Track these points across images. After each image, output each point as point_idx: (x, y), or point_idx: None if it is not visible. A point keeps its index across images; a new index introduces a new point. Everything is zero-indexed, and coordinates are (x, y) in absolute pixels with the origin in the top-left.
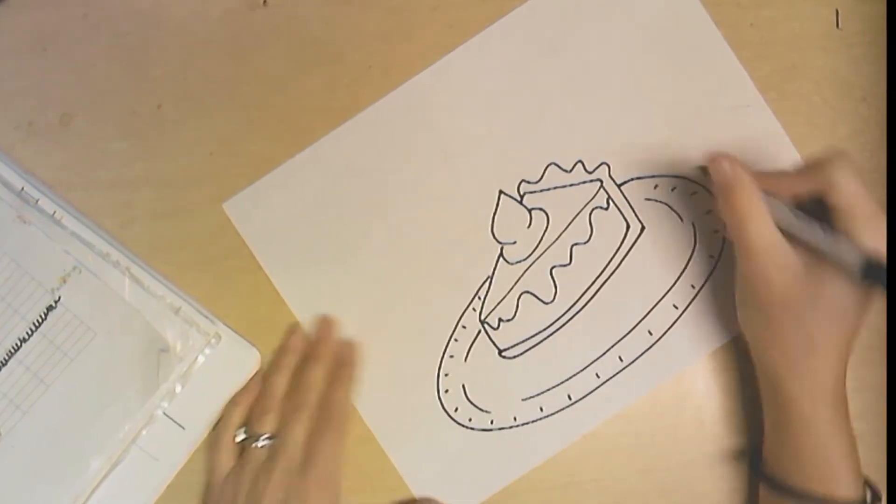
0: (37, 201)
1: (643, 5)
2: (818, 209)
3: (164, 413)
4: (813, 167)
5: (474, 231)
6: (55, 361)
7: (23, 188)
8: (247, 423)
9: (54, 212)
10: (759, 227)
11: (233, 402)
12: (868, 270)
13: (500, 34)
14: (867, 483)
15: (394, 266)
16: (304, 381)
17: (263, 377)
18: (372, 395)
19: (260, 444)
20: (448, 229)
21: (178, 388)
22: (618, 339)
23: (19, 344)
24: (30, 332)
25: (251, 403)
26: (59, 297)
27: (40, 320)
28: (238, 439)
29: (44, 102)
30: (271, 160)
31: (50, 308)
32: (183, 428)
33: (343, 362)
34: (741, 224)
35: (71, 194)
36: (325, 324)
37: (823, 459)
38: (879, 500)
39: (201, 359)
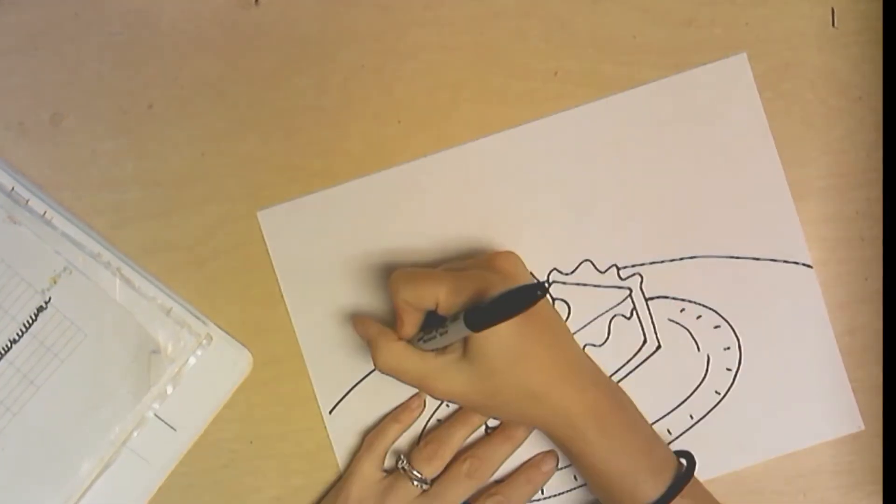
0: (27, 201)
1: (718, 125)
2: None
3: (156, 415)
4: (396, 307)
5: None
6: (45, 363)
7: (13, 188)
8: (411, 454)
9: (45, 212)
10: (408, 363)
11: (393, 419)
12: (472, 323)
13: (567, 122)
14: (680, 457)
15: None
16: (488, 453)
17: (446, 422)
18: (349, 444)
19: (416, 483)
20: None
21: (170, 390)
22: None
23: (9, 345)
24: (20, 334)
25: (429, 441)
26: (50, 298)
27: (30, 321)
28: (399, 465)
29: (34, 102)
30: (263, 160)
31: (40, 309)
32: (174, 430)
33: (533, 468)
34: (396, 371)
35: (61, 194)
36: (547, 457)
37: (618, 479)
38: (692, 467)
39: (193, 360)
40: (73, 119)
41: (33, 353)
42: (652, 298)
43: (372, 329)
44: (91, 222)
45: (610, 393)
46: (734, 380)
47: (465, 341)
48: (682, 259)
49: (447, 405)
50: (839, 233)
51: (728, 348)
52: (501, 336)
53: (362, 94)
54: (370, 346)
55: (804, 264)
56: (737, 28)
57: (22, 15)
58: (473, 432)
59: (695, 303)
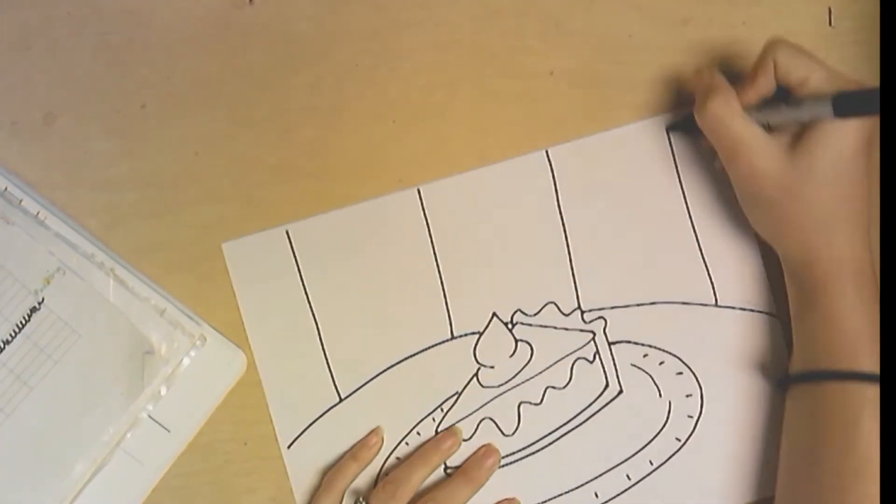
0: (20, 201)
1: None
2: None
3: (149, 416)
4: (759, 65)
5: (457, 344)
6: (39, 364)
7: (6, 188)
8: (370, 494)
9: (38, 212)
10: (737, 122)
11: (352, 456)
12: (839, 106)
13: (535, 164)
14: None
15: (367, 353)
16: (448, 496)
17: (405, 461)
18: (307, 481)
19: None
20: (432, 333)
21: (164, 391)
22: (563, 491)
23: (2, 346)
24: (13, 334)
25: (388, 481)
26: (43, 299)
27: (24, 322)
28: None
29: (27, 102)
30: (257, 160)
31: (33, 310)
32: (168, 431)
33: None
34: (721, 124)
35: (55, 194)
36: (488, 451)
37: (848, 335)
38: None
39: (186, 361)
40: (66, 119)
41: (26, 354)
42: (615, 343)
43: (718, 78)
44: (84, 222)
45: (876, 269)
46: (695, 427)
47: (803, 133)
48: (646, 304)
49: (406, 443)
50: None
51: (690, 395)
52: (845, 144)
53: (357, 93)
54: (708, 92)
55: (768, 313)
56: (733, 27)
57: (14, 14)
58: (432, 472)
59: (658, 348)
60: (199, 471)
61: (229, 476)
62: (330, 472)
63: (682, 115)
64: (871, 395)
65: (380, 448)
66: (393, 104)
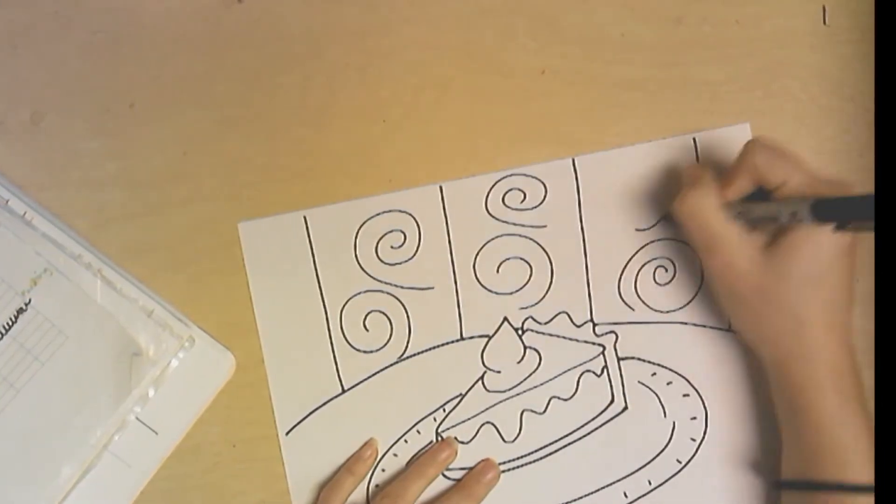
0: (7, 202)
1: None
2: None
3: (137, 418)
4: (739, 164)
5: (465, 345)
6: (26, 365)
7: None
8: None
9: (25, 212)
10: (714, 218)
11: (347, 470)
12: (818, 211)
13: (561, 171)
14: None
15: (374, 347)
16: None
17: (402, 475)
18: (302, 469)
19: None
20: (441, 332)
21: (152, 393)
22: (559, 503)
23: None
24: None
25: (385, 495)
26: (30, 300)
27: (10, 323)
28: None
29: (14, 101)
30: (247, 160)
31: (20, 311)
32: (156, 433)
33: None
34: (698, 217)
35: (42, 194)
36: (487, 466)
37: (833, 446)
38: None
39: (175, 363)
40: (53, 118)
41: (13, 356)
42: (624, 359)
43: (705, 174)
44: (72, 223)
45: (858, 369)
46: (697, 450)
47: (781, 234)
48: (659, 323)
49: (405, 441)
50: None
51: (695, 418)
52: (822, 249)
53: (347, 92)
54: (690, 185)
55: None
56: (727, 26)
57: (1, 12)
58: (429, 485)
59: (667, 368)
60: (187, 473)
61: (218, 479)
62: (326, 489)
63: None
64: None
65: (375, 460)
66: (383, 103)
